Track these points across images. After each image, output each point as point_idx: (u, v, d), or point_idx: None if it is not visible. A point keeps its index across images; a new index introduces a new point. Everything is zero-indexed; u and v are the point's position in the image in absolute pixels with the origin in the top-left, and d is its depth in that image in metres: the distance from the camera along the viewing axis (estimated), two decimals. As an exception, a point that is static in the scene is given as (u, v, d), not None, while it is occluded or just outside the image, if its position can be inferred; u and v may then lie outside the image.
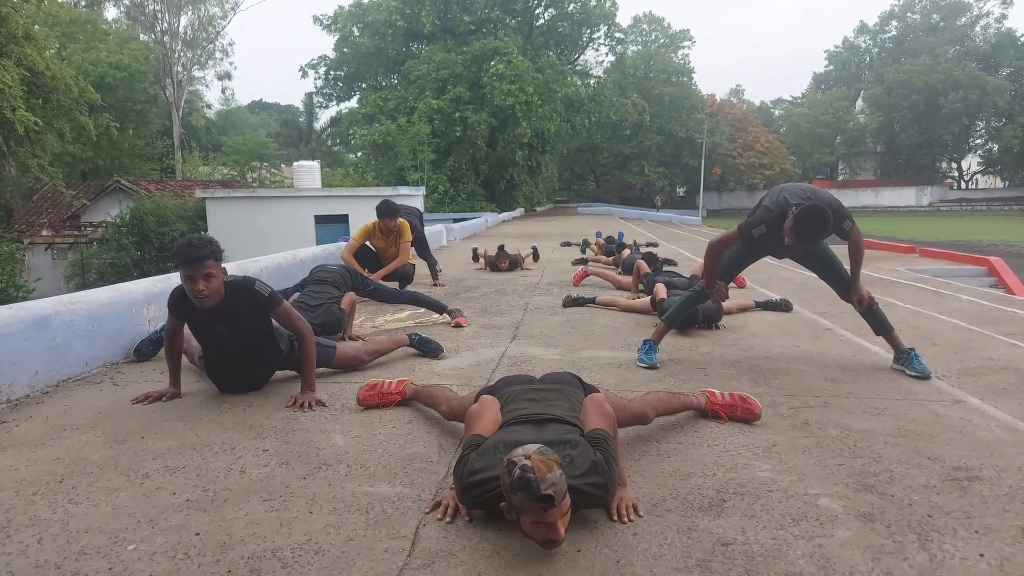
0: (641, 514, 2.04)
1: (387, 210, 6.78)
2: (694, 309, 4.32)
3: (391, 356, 4.07)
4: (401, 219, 6.92)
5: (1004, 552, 1.85)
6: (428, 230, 12.75)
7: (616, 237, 11.25)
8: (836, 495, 2.20)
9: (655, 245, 12.58)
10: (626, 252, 8.76)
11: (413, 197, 23.78)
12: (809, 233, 3.26)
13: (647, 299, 5.53)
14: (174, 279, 4.70)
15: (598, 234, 12.68)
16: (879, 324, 3.80)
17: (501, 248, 8.99)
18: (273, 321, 3.29)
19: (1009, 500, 2.16)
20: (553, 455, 1.80)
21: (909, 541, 1.91)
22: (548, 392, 2.42)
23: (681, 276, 6.00)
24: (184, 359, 3.44)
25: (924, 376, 3.57)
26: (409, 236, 6.95)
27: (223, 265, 3.15)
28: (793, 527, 1.99)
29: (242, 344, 3.21)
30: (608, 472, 1.99)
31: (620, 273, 7.50)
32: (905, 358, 3.71)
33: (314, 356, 3.26)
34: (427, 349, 4.11)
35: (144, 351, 4.04)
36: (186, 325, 3.25)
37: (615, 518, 2.01)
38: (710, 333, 4.80)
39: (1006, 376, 3.66)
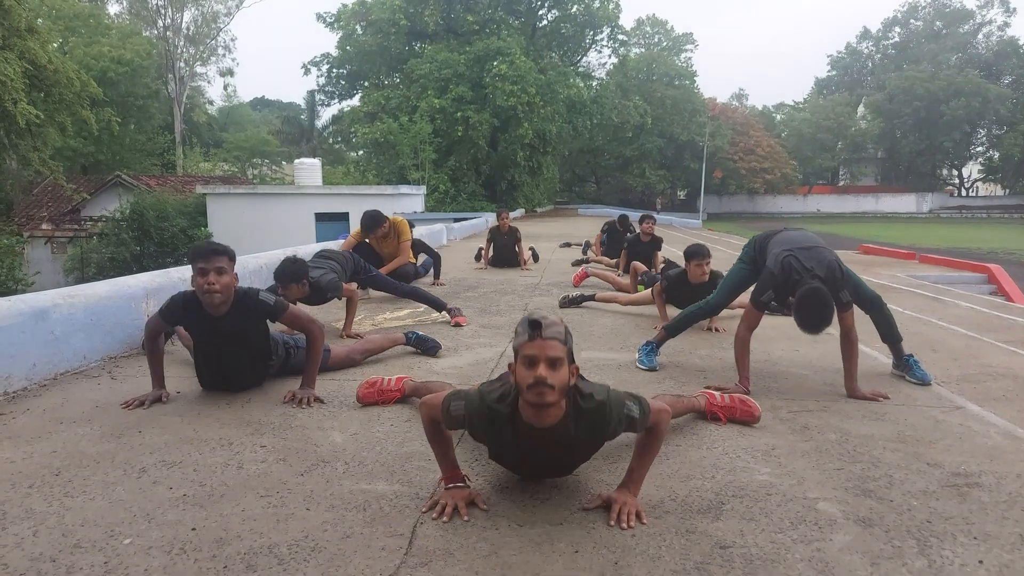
0: (644, 522, 2.02)
1: (370, 223, 6.50)
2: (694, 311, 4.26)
3: (389, 354, 4.06)
4: (395, 218, 6.87)
5: (1003, 559, 1.85)
6: (429, 229, 12.76)
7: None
8: (835, 499, 2.19)
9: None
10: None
11: (414, 196, 23.83)
12: (816, 323, 3.14)
13: (648, 292, 5.58)
14: (173, 274, 4.70)
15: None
16: (889, 332, 3.77)
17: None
18: (271, 329, 3.26)
19: (1008, 507, 2.16)
20: (563, 323, 1.99)
21: (908, 547, 1.90)
22: None
23: None
24: (182, 349, 3.42)
25: (924, 382, 3.56)
26: (409, 235, 6.93)
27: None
28: (792, 531, 1.98)
29: (241, 351, 3.18)
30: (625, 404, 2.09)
31: (620, 275, 7.50)
32: (905, 364, 3.70)
33: (320, 354, 3.26)
34: (425, 347, 4.10)
35: None
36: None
37: (614, 522, 2.00)
38: (710, 336, 4.79)
39: (1005, 383, 3.66)
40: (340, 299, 4.77)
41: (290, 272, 4.40)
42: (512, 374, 2.02)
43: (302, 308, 3.45)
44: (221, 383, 3.27)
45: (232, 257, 3.05)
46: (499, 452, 2.21)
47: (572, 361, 1.98)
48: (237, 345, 3.14)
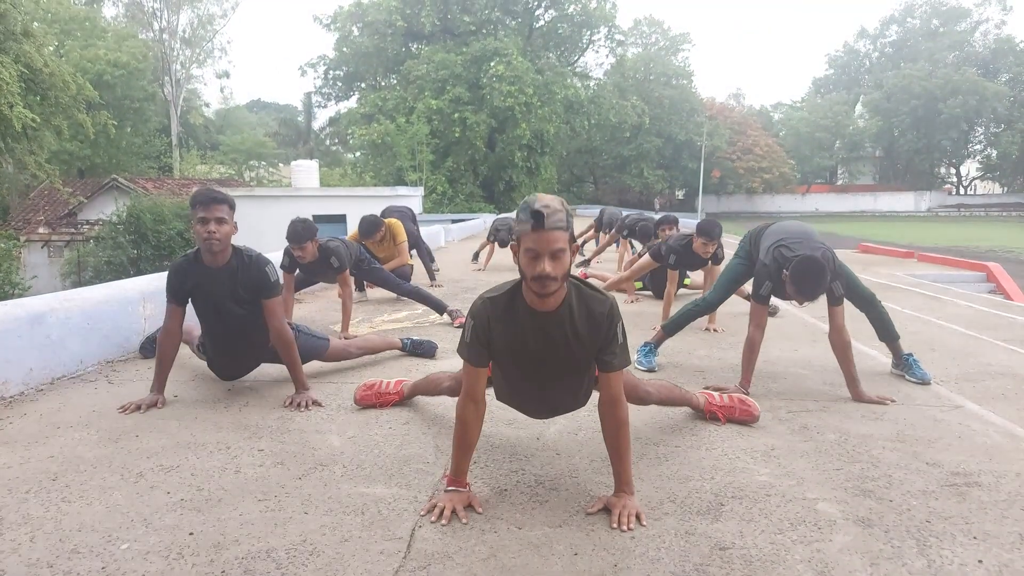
0: (644, 524, 2.01)
1: (368, 229, 6.47)
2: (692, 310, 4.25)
3: (387, 356, 4.07)
4: (390, 222, 6.85)
5: (1003, 558, 1.84)
6: (426, 231, 12.74)
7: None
8: (834, 500, 2.19)
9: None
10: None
11: (411, 197, 23.80)
12: (813, 286, 3.13)
13: (647, 257, 5.69)
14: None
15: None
16: (885, 330, 3.76)
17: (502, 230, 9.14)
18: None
19: (1008, 506, 2.16)
20: (564, 206, 1.92)
21: (908, 547, 1.90)
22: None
23: None
24: (185, 349, 3.43)
25: (924, 381, 3.56)
26: (404, 236, 6.89)
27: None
28: (791, 531, 1.98)
29: (241, 302, 3.15)
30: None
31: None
32: (904, 364, 3.70)
33: (297, 358, 3.23)
34: (422, 350, 4.09)
35: (149, 349, 4.02)
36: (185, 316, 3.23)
37: (615, 525, 1.99)
38: (709, 336, 4.79)
39: (1004, 382, 3.66)
40: (341, 283, 4.79)
41: (303, 230, 4.55)
42: (515, 256, 2.02)
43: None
44: (227, 345, 3.27)
45: (232, 206, 3.06)
46: (504, 351, 2.14)
47: (573, 241, 1.97)
48: (235, 297, 3.14)
